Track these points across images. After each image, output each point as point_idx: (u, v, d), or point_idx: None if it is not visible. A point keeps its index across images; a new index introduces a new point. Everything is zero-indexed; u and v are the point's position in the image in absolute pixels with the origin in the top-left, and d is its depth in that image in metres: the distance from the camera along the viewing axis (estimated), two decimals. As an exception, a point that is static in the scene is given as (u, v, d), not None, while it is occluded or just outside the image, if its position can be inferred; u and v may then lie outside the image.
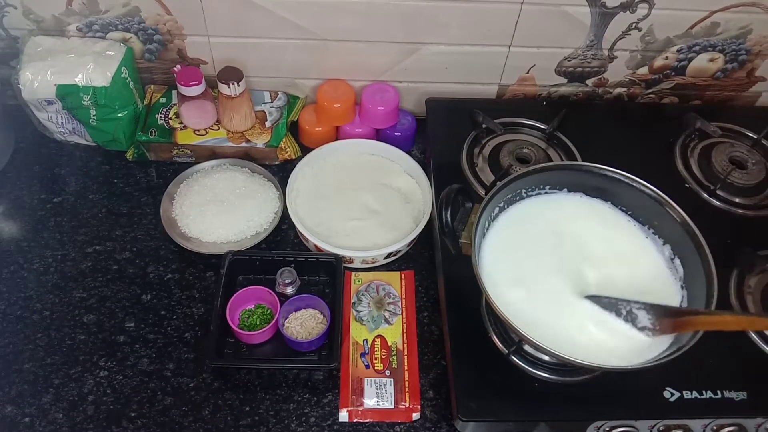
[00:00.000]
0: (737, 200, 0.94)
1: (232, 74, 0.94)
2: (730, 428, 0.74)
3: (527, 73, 1.05)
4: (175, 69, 0.98)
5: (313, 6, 0.94)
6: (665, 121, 1.06)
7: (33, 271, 0.88)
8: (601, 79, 1.07)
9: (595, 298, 0.72)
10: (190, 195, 0.95)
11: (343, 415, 0.78)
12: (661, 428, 0.74)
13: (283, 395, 0.80)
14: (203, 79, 0.96)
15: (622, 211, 0.80)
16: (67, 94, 0.93)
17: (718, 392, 0.75)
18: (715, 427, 0.75)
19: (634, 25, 0.98)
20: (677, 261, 0.75)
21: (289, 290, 0.86)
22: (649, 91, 1.10)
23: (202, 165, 0.99)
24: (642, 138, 1.02)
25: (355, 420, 0.78)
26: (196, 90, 0.95)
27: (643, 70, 1.06)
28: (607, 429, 0.74)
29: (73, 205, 0.96)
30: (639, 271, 0.76)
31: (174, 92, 1.02)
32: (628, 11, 0.95)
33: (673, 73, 1.06)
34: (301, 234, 0.91)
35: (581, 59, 1.03)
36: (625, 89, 1.10)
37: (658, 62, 1.04)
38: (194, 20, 0.96)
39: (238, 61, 0.99)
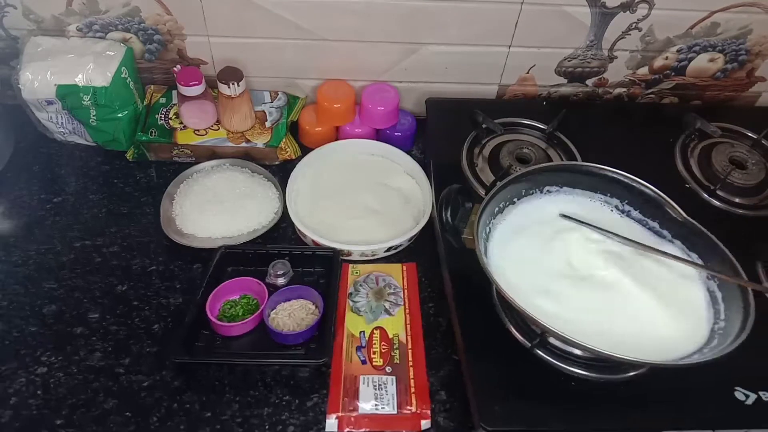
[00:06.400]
0: (737, 200, 0.94)
1: (232, 74, 0.94)
2: None
3: (527, 73, 1.05)
4: (175, 69, 0.98)
5: (313, 6, 0.94)
6: (665, 121, 1.06)
7: (32, 270, 0.88)
8: (601, 79, 1.07)
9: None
10: (190, 195, 0.94)
11: (332, 423, 0.65)
12: None
13: (256, 397, 0.69)
14: (203, 79, 0.96)
15: (622, 211, 0.80)
16: (67, 94, 0.93)
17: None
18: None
19: (634, 25, 0.98)
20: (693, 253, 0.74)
21: (281, 281, 0.80)
22: (649, 91, 1.10)
23: (202, 165, 0.99)
24: (642, 138, 1.02)
25: (347, 429, 0.65)
26: (196, 90, 0.95)
27: (643, 70, 1.06)
28: None
29: (72, 205, 0.95)
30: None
31: (174, 92, 1.02)
32: (628, 11, 0.96)
33: (673, 73, 1.07)
34: (302, 234, 0.90)
35: (581, 59, 1.03)
36: (625, 89, 1.10)
37: (658, 62, 1.04)
38: (194, 20, 0.96)
39: (238, 61, 0.99)
